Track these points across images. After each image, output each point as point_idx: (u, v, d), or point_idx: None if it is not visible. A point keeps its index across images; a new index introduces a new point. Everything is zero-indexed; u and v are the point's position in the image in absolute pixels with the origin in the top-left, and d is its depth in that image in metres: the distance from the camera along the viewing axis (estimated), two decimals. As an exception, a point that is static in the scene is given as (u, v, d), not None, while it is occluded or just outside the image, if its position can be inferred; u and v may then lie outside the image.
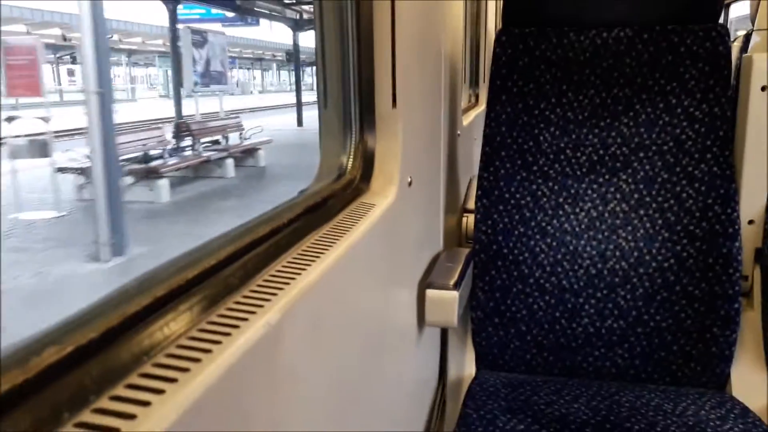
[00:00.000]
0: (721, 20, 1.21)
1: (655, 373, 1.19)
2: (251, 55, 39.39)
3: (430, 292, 1.01)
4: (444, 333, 1.30)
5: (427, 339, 1.14)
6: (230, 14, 15.50)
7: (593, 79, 1.23)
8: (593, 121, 1.22)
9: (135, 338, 0.36)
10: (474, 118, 2.16)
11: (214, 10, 15.07)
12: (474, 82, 3.02)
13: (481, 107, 2.77)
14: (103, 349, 0.34)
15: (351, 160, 0.86)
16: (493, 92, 1.26)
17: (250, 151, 10.32)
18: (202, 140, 9.82)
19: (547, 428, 0.99)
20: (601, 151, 1.22)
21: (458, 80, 1.59)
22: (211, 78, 10.66)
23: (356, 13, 0.83)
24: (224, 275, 0.47)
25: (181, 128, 9.71)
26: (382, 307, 0.83)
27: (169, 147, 8.96)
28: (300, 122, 17.18)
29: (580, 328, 1.21)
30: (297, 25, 16.87)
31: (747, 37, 1.35)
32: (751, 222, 1.22)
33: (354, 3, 0.82)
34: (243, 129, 11.09)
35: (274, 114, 21.90)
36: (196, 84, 10.25)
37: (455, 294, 1.01)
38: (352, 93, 0.86)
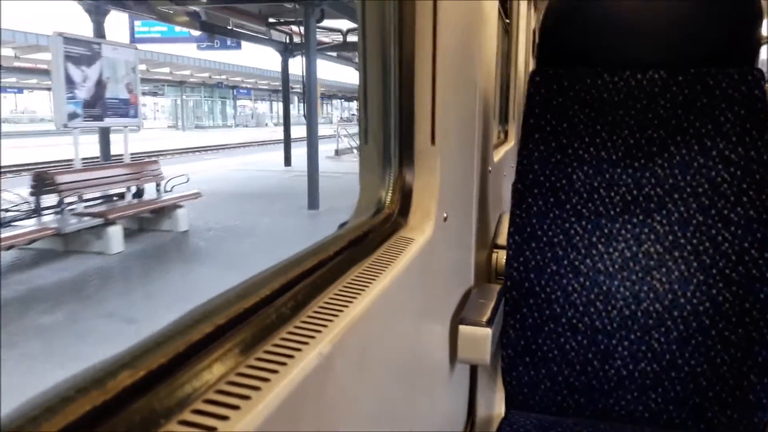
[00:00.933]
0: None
1: (689, 419, 1.16)
2: (267, 87, 39.06)
3: (463, 328, 1.01)
4: (473, 370, 1.29)
5: (457, 376, 1.13)
6: (196, 33, 13.89)
7: (627, 120, 1.23)
8: (627, 161, 1.22)
9: (198, 365, 0.38)
10: (504, 154, 2.17)
11: (179, 29, 13.48)
12: (503, 119, 3.04)
13: (511, 143, 2.79)
14: (172, 375, 0.35)
15: (390, 194, 0.87)
16: (527, 130, 1.27)
17: (166, 210, 7.36)
18: (87, 195, 6.87)
19: None
20: (635, 192, 1.22)
21: (491, 116, 1.61)
22: (105, 107, 7.69)
23: (398, 51, 0.85)
24: (277, 305, 0.49)
25: (42, 179, 6.42)
26: (417, 341, 0.84)
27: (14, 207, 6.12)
28: (288, 161, 14.89)
29: (613, 370, 1.19)
30: (286, 50, 14.71)
31: None
32: None
33: (396, 41, 0.85)
34: (161, 177, 7.94)
35: (272, 149, 19.79)
36: (74, 116, 7.17)
37: (488, 331, 1.00)
38: (392, 129, 0.87)
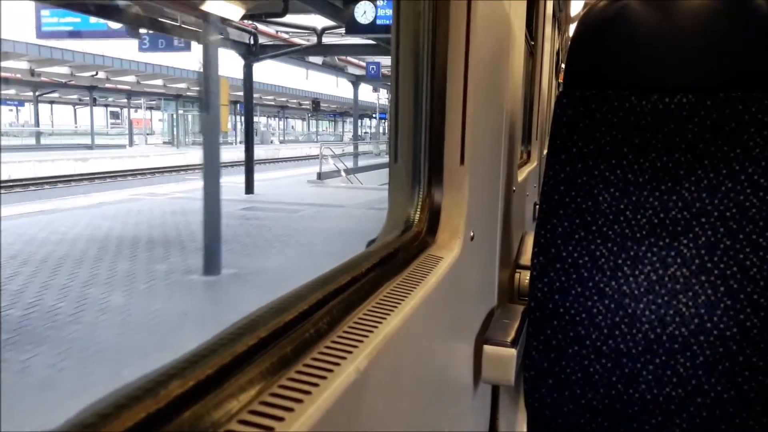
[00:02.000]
0: None
1: None
2: (273, 102, 37.70)
3: (488, 348, 1.00)
4: (496, 391, 1.28)
5: (480, 396, 1.13)
6: (116, 26, 11.01)
7: (654, 143, 1.23)
8: (654, 184, 1.22)
9: (243, 377, 0.38)
10: (527, 174, 2.17)
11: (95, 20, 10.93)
12: (526, 139, 3.05)
13: (534, 164, 2.80)
14: (219, 386, 0.36)
15: (418, 213, 0.88)
16: (552, 151, 1.27)
17: None
18: None
19: None
20: (661, 215, 1.21)
21: (517, 136, 1.62)
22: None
23: (430, 73, 0.86)
24: (314, 319, 0.49)
25: None
26: (444, 360, 0.84)
27: None
28: (250, 188, 12.42)
29: (638, 394, 1.17)
30: (249, 52, 12.47)
31: None
32: None
33: (429, 62, 0.86)
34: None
35: (263, 170, 18.08)
36: None
37: (513, 351, 1.00)
38: (422, 149, 0.88)
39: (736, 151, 1.19)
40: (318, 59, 17.51)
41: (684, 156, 1.21)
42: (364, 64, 18.99)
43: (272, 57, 13.21)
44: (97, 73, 25.07)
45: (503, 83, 1.22)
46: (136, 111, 38.26)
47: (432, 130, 0.88)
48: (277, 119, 48.26)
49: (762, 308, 1.14)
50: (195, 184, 11.70)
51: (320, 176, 15.62)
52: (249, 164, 12.45)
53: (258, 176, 13.53)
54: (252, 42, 12.42)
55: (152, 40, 12.44)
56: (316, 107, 30.80)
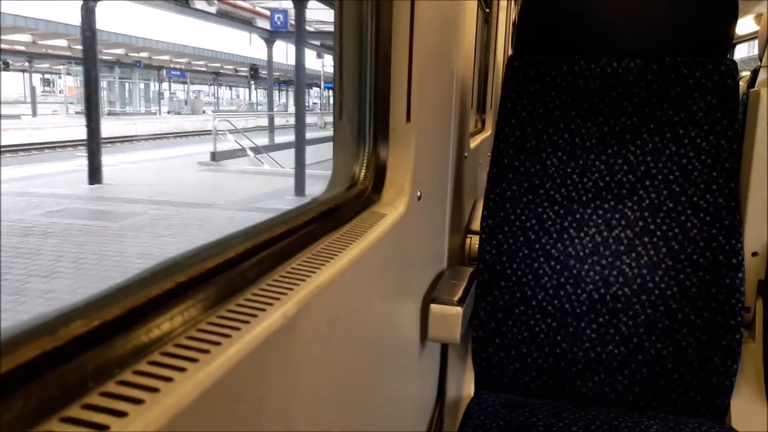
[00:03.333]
0: None
1: (654, 401, 1.18)
2: (205, 68, 34.73)
3: (434, 307, 1.01)
4: (444, 351, 1.30)
5: (427, 356, 1.14)
6: None
7: (602, 107, 1.24)
8: (600, 147, 1.24)
9: (156, 320, 0.37)
10: (480, 142, 2.19)
11: None
12: (481, 108, 3.07)
13: (488, 132, 2.82)
14: (129, 327, 0.35)
15: (363, 170, 0.87)
16: (503, 115, 1.28)
17: None
18: None
19: None
20: (607, 178, 1.23)
21: (468, 102, 1.62)
22: None
23: (375, 29, 0.85)
24: (241, 269, 0.48)
25: None
26: (388, 318, 0.84)
27: None
28: (95, 176, 8.85)
29: (581, 352, 1.21)
30: None
31: (754, 73, 1.39)
32: (754, 254, 1.24)
33: (374, 19, 0.84)
34: None
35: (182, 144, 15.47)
36: None
37: (459, 310, 1.01)
38: (367, 106, 0.87)
39: (681, 116, 1.21)
40: (211, 7, 14.84)
41: (630, 120, 1.23)
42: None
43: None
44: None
45: (452, 47, 1.21)
46: (61, 77, 34.84)
47: (377, 88, 0.86)
48: (216, 87, 44.24)
49: (701, 268, 1.17)
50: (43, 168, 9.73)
51: (215, 157, 11.92)
52: (93, 143, 8.73)
53: (146, 155, 11.70)
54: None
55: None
56: (255, 74, 28.80)
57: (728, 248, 1.16)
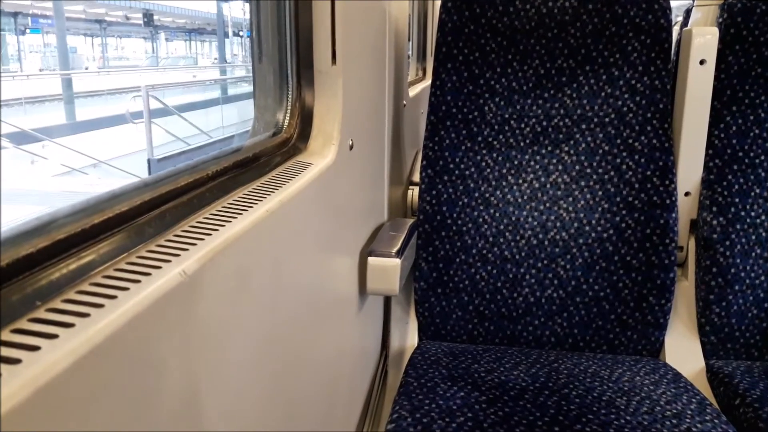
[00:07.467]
0: None
1: (593, 341, 1.21)
2: (83, 15, 26.77)
3: (372, 260, 0.99)
4: (387, 304, 1.29)
5: (369, 309, 1.12)
6: None
7: (538, 49, 1.22)
8: (537, 92, 1.22)
9: (28, 280, 0.33)
10: (421, 91, 2.13)
11: None
12: (422, 56, 3.00)
13: (429, 80, 2.76)
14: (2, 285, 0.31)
15: (287, 117, 0.82)
16: (439, 60, 1.24)
17: None
18: None
19: (486, 394, 0.98)
20: (544, 123, 1.22)
21: (404, 48, 1.56)
22: None
23: None
24: (138, 223, 0.44)
25: None
26: (321, 273, 0.80)
27: None
28: None
29: (521, 297, 1.22)
30: None
31: (687, 13, 1.38)
32: (687, 194, 1.25)
33: None
34: None
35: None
36: None
37: (397, 262, 0.99)
38: (289, 47, 0.80)
39: (616, 56, 1.20)
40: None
41: (566, 62, 1.22)
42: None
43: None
44: None
45: None
46: None
47: (298, 27, 0.80)
48: (101, 38, 33.64)
49: (636, 209, 1.19)
50: None
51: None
52: None
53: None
54: None
55: None
56: (149, 21, 23.45)
57: (662, 189, 1.17)
